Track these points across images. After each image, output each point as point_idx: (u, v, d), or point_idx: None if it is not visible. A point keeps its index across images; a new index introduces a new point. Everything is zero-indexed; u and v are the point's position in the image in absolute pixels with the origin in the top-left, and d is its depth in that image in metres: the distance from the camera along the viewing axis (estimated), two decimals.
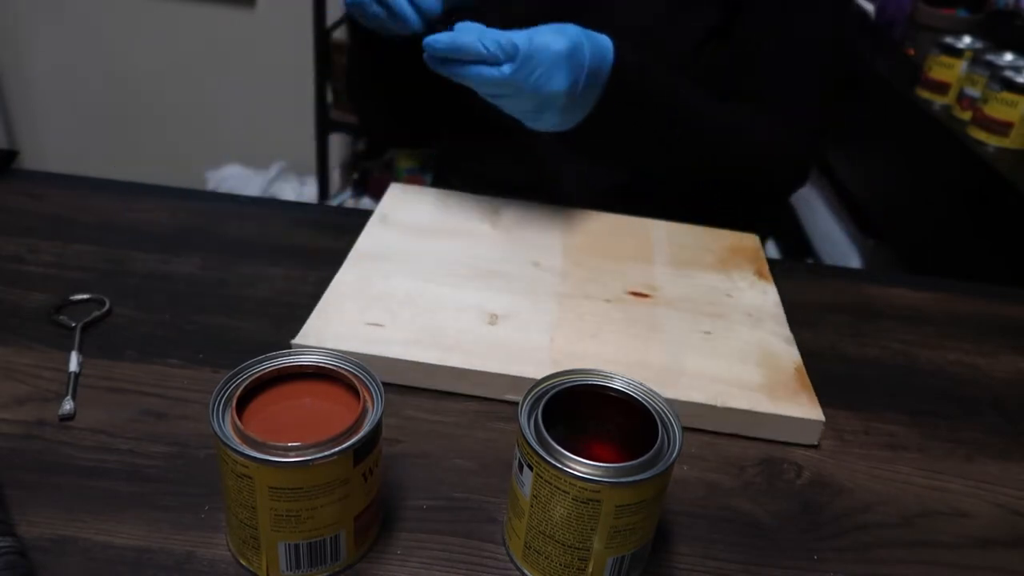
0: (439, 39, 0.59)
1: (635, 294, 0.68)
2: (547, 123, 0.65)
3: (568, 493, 0.40)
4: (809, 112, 0.82)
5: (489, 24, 0.60)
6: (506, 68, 0.59)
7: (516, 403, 0.44)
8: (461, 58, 0.59)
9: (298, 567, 0.43)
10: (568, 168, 0.86)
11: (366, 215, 0.76)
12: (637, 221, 0.80)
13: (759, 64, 0.81)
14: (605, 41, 0.66)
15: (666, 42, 0.79)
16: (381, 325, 0.61)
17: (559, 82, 0.61)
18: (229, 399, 0.42)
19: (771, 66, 0.81)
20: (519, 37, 0.59)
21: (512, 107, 0.64)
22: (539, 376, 0.46)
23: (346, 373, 0.45)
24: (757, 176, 0.83)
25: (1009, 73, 1.29)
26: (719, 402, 0.57)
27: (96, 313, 0.63)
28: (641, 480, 0.40)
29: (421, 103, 0.88)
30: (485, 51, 0.58)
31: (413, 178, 2.24)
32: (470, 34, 0.58)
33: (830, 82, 0.83)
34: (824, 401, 0.58)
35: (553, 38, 0.60)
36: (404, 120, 0.92)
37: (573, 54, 0.61)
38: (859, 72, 1.66)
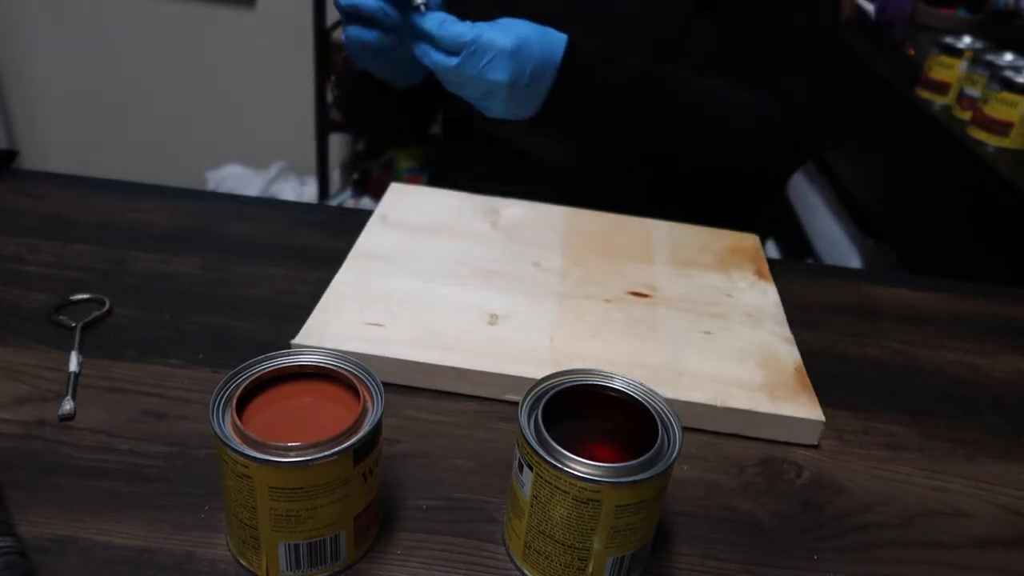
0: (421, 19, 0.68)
1: (635, 294, 0.68)
2: (496, 110, 0.70)
3: (568, 493, 0.40)
4: (804, 87, 0.81)
5: (475, 17, 0.67)
6: (453, 60, 0.66)
7: (516, 403, 0.44)
8: (424, 38, 0.67)
9: (298, 567, 0.43)
10: (562, 163, 0.86)
11: (366, 215, 0.76)
12: (637, 221, 0.80)
13: (750, 40, 0.81)
14: (557, 38, 0.70)
15: (654, 21, 0.79)
16: (381, 325, 0.61)
17: (501, 73, 0.66)
18: (229, 399, 0.42)
19: (762, 42, 0.81)
20: (470, 32, 0.66)
21: (465, 93, 0.69)
22: (539, 376, 0.46)
23: (346, 373, 0.45)
24: (749, 155, 0.82)
25: (1009, 73, 1.29)
26: (719, 402, 0.57)
27: (96, 313, 0.63)
28: (641, 480, 0.40)
29: (415, 115, 0.94)
30: (440, 39, 0.66)
31: (413, 178, 2.24)
32: (433, 20, 0.66)
33: (824, 60, 0.83)
34: (824, 401, 0.58)
35: (501, 35, 0.66)
36: (399, 130, 0.99)
37: (518, 51, 0.66)
38: (859, 72, 1.66)
